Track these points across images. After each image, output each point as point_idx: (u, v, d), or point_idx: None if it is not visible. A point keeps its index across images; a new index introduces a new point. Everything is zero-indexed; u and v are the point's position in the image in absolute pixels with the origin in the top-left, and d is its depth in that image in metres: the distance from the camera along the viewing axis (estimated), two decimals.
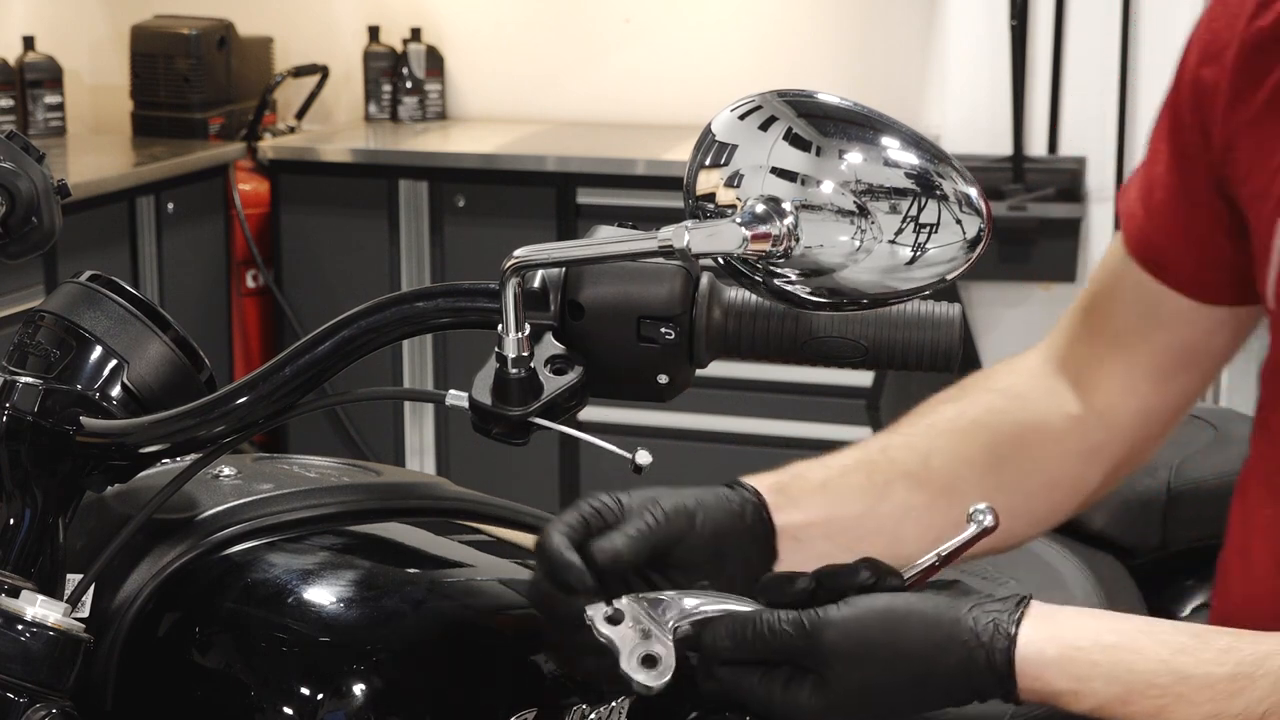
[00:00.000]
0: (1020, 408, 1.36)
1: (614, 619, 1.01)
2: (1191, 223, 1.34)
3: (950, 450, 1.31)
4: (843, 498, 1.26)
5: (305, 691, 1.06)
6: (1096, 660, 1.04)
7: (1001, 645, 1.01)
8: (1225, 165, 1.30)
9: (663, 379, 1.04)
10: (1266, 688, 1.03)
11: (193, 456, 1.10)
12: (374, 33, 4.72)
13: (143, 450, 1.08)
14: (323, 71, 4.69)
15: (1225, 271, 1.35)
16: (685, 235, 0.94)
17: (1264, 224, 1.27)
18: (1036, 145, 4.17)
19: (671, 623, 1.02)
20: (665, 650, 1.00)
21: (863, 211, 0.94)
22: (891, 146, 0.95)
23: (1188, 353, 1.38)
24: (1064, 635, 1.04)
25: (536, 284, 1.03)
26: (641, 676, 1.00)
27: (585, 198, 4.09)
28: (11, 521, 1.08)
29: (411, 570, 1.18)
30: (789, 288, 0.96)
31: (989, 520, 1.07)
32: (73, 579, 1.08)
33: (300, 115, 4.70)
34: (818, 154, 0.94)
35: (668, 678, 1.00)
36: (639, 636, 1.01)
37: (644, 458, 1.00)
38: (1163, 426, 1.42)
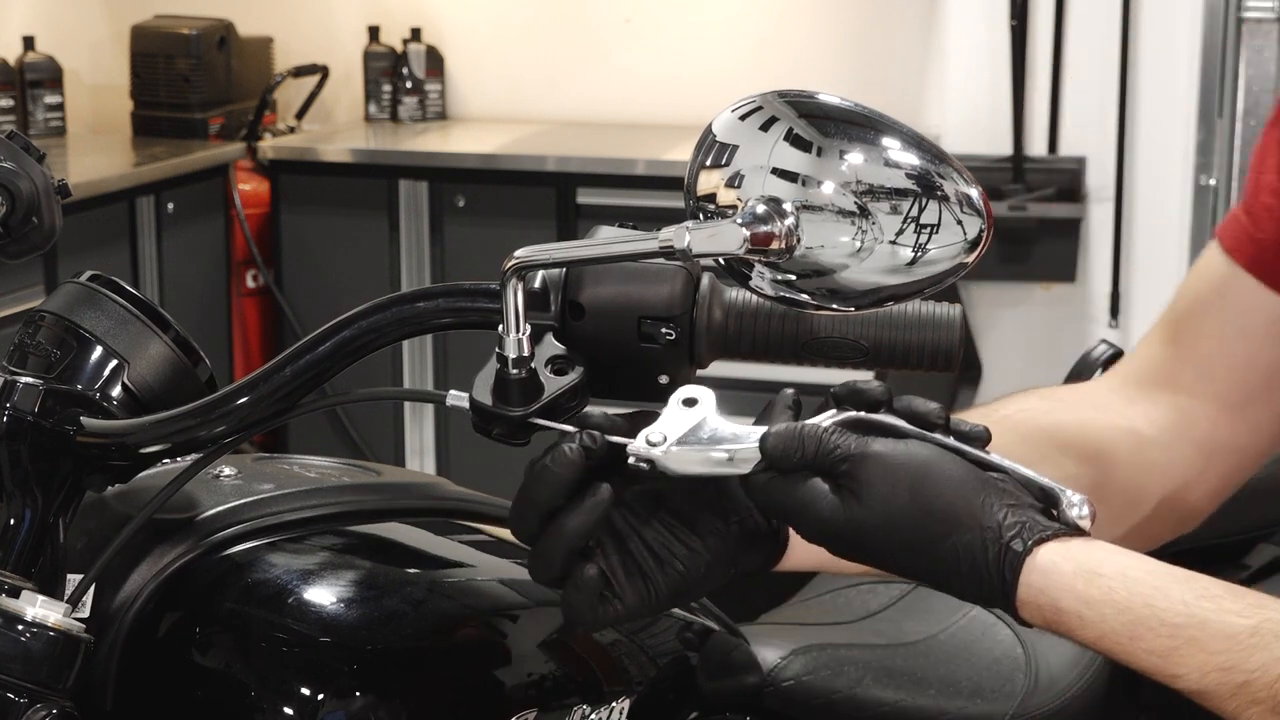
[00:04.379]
0: (1093, 417, 1.34)
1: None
2: None
3: (1018, 435, 1.28)
4: None
5: (305, 691, 1.06)
6: (1114, 588, 0.97)
7: (1017, 548, 0.96)
8: None
9: (663, 379, 1.03)
10: None
11: (193, 456, 1.10)
12: (374, 33, 4.72)
13: (143, 450, 1.08)
14: (323, 71, 4.69)
15: None
16: (686, 236, 0.94)
17: None
18: (1036, 145, 4.17)
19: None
20: (669, 446, 0.99)
21: (864, 212, 0.94)
22: (892, 147, 0.94)
23: (1268, 374, 1.35)
24: (1087, 558, 0.98)
25: (537, 284, 1.03)
26: (645, 442, 0.98)
27: (585, 198, 4.09)
28: (11, 521, 1.08)
29: (411, 570, 1.18)
30: (790, 288, 0.96)
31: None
32: (73, 579, 1.08)
33: (300, 115, 4.70)
34: (818, 154, 0.94)
35: (653, 464, 0.98)
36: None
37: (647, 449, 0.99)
38: (1242, 459, 1.37)
